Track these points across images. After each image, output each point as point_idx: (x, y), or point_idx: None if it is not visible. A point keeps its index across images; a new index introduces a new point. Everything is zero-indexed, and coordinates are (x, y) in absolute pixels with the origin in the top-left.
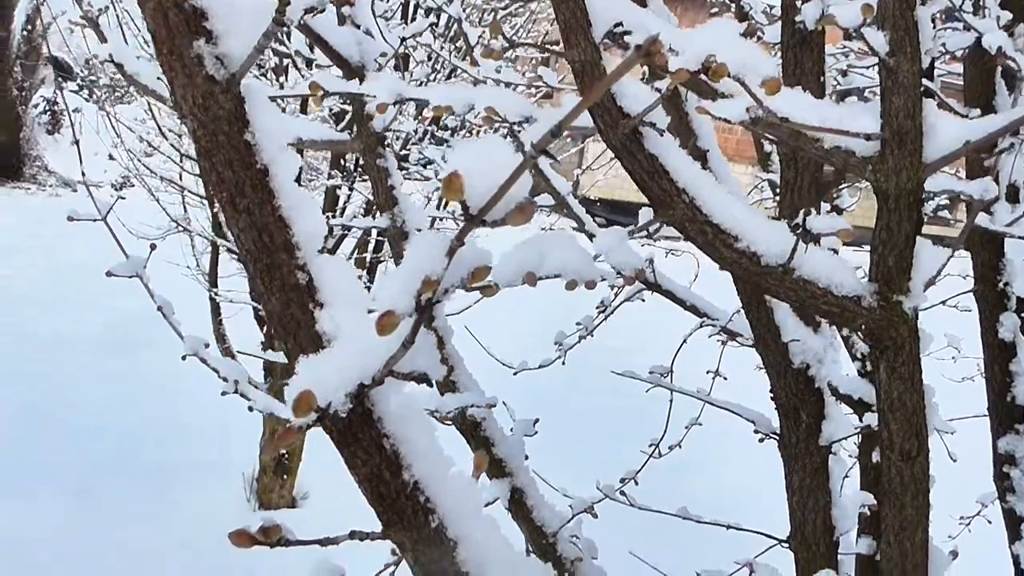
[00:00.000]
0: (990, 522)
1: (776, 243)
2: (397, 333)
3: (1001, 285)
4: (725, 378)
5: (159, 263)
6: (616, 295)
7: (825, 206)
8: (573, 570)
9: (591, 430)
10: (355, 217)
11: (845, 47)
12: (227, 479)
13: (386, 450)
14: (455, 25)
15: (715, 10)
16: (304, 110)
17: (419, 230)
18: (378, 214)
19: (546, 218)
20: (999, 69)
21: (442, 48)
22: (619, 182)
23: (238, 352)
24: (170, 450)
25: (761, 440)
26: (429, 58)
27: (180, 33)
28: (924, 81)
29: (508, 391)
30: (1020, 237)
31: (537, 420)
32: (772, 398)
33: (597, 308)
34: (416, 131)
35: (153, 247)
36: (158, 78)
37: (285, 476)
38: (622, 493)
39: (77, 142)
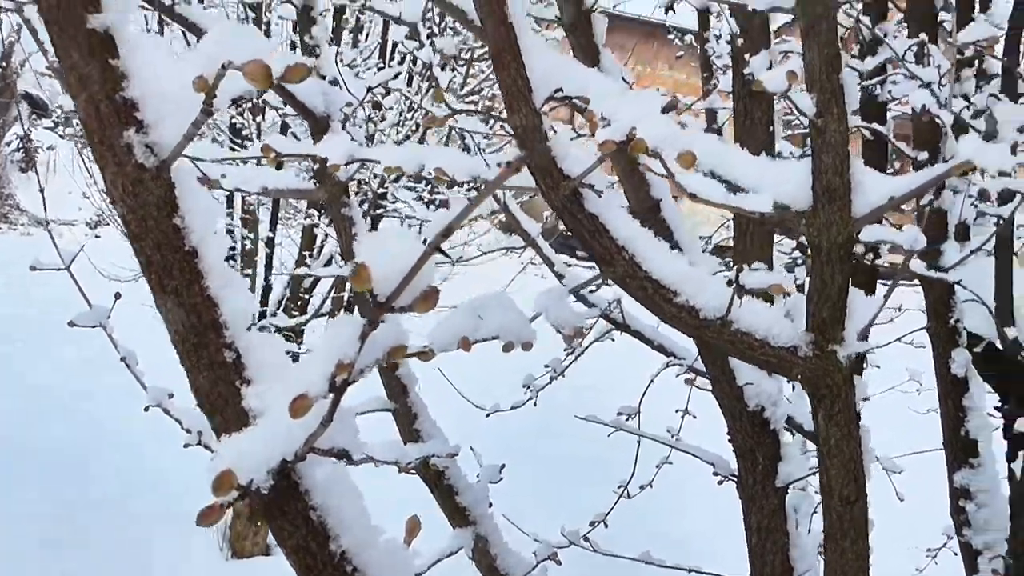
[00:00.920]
0: (956, 554)
1: (714, 297)
2: (315, 412)
3: (952, 322)
4: (695, 416)
5: (131, 305)
6: (584, 336)
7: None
8: None
9: (561, 473)
10: (330, 259)
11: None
12: (200, 528)
13: (313, 522)
14: (427, 71)
15: (680, 53)
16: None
17: None
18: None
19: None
20: None
21: (418, 92)
22: None
23: None
24: (140, 499)
25: (720, 482)
26: (408, 102)
27: (111, 124)
28: (876, 126)
29: (479, 433)
30: (958, 282)
31: (503, 466)
32: (729, 440)
33: (565, 350)
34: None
35: (118, 296)
36: None
37: (259, 523)
38: (586, 539)
39: (42, 190)
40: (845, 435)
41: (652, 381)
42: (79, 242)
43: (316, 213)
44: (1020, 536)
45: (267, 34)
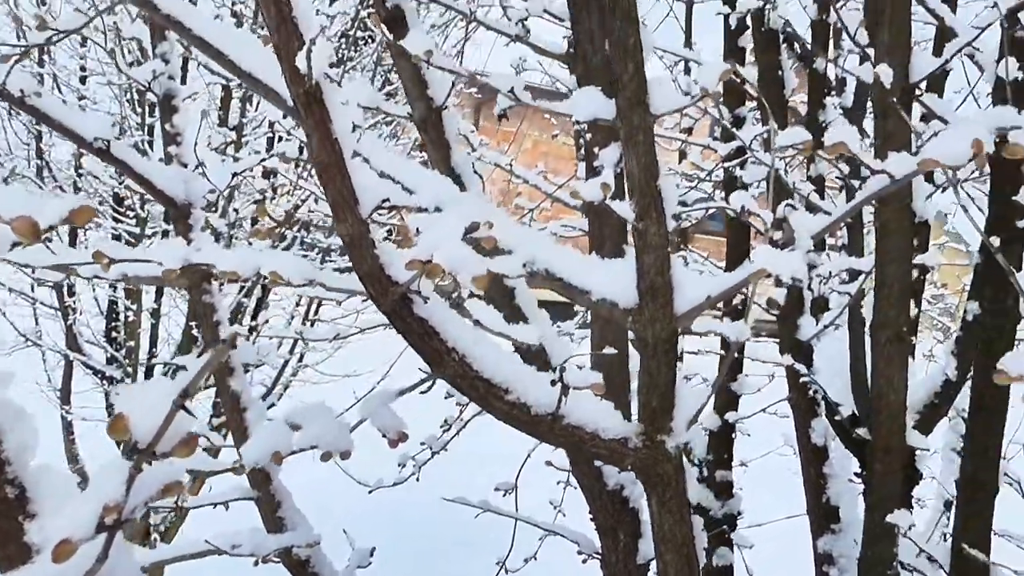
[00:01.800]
0: None
1: (544, 394)
2: (84, 553)
3: (811, 393)
4: (576, 487)
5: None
6: (462, 411)
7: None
8: None
9: (439, 545)
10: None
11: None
12: None
13: None
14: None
15: (556, 132)
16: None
17: (246, 366)
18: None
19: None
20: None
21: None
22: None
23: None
24: None
25: (584, 561)
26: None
27: None
28: (729, 206)
29: (363, 509)
30: (790, 366)
31: (374, 549)
32: (591, 519)
33: (441, 426)
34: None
35: None
36: (4, 179)
37: None
38: None
39: None
40: (678, 520)
41: (529, 455)
42: None
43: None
44: None
45: None
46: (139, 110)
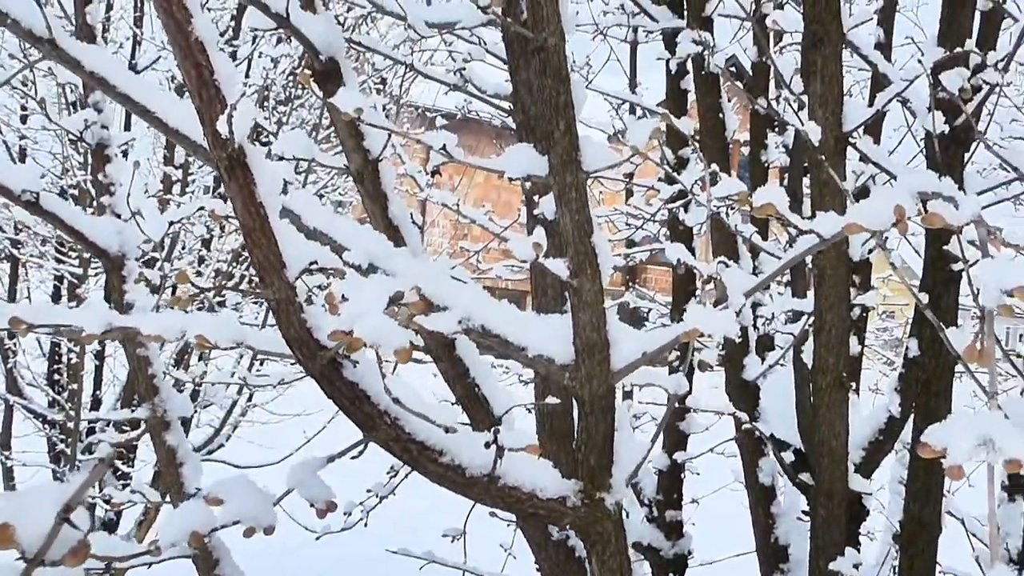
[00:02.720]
0: None
1: (480, 455)
2: None
3: (758, 433)
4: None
5: None
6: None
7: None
8: None
9: None
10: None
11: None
12: None
13: None
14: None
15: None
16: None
17: (182, 418)
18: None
19: None
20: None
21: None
22: None
23: None
24: None
25: None
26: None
27: None
28: (677, 249)
29: (310, 555)
30: (731, 414)
31: None
32: (537, 569)
33: (388, 472)
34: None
35: None
36: None
37: None
38: None
39: None
40: None
41: (475, 505)
42: None
43: None
44: None
45: None
46: (81, 149)
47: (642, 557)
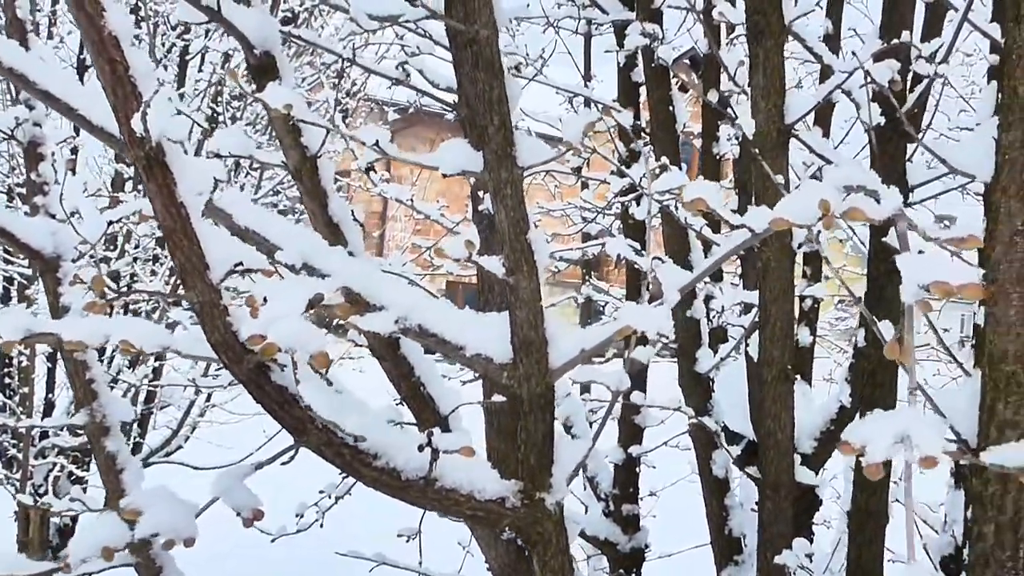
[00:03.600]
0: None
1: (415, 458)
2: None
3: (711, 425)
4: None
5: None
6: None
7: None
8: None
9: None
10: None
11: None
12: None
13: None
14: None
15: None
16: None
17: (122, 423)
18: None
19: None
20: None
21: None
22: None
23: None
24: None
25: None
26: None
27: None
28: (629, 248)
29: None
30: (677, 409)
31: None
32: (487, 568)
33: (340, 473)
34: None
35: None
36: None
37: None
38: None
39: None
40: None
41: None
42: None
43: None
44: None
45: None
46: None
47: (599, 552)
